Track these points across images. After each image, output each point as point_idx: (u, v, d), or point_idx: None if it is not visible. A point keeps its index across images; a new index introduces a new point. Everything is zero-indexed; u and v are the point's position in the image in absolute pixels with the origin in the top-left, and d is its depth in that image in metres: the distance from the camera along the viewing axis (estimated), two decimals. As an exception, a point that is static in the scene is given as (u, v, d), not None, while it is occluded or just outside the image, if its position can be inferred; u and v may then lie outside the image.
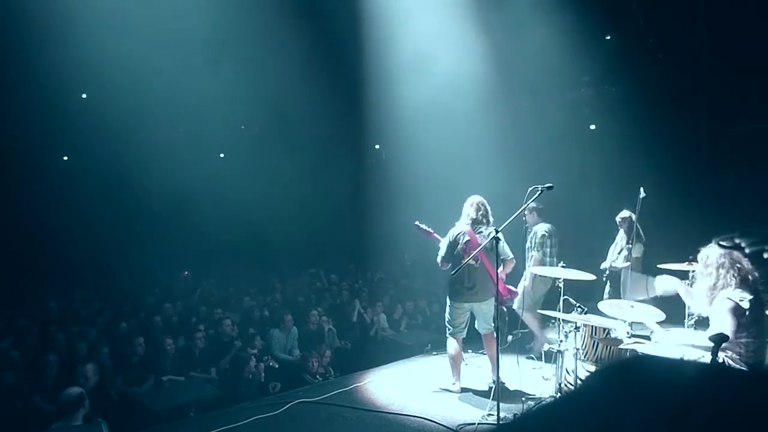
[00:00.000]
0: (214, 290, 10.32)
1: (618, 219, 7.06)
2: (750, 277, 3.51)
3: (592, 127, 12.41)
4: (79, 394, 4.50)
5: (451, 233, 5.37)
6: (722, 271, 3.53)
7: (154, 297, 9.81)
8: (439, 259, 5.44)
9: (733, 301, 3.46)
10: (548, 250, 6.55)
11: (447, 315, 5.55)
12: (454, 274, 5.13)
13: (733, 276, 3.51)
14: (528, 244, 6.74)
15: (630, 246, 6.67)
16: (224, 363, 6.86)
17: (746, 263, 3.53)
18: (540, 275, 6.21)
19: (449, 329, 5.54)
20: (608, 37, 11.64)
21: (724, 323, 3.47)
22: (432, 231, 5.67)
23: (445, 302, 5.57)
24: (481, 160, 11.55)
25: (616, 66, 11.32)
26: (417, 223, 5.75)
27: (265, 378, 6.66)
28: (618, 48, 11.45)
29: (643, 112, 10.80)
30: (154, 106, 11.79)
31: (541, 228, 6.61)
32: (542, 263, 6.42)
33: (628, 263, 6.74)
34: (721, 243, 3.52)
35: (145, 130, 13.09)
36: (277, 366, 7.07)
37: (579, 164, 10.99)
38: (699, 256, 3.71)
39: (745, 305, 3.44)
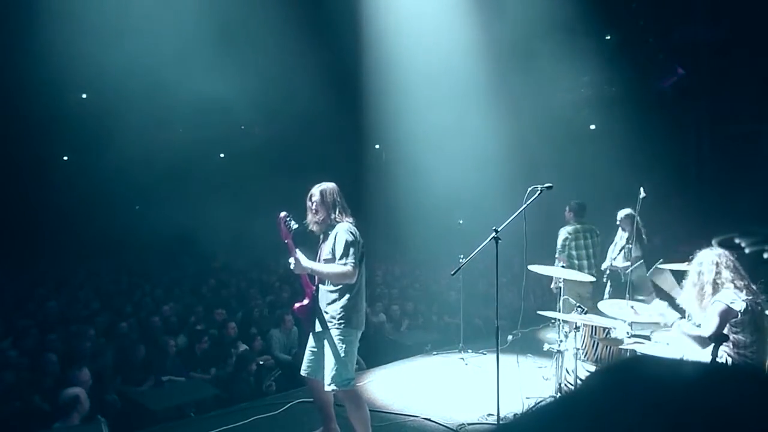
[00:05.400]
0: (215, 293, 10.32)
1: (619, 217, 7.02)
2: (744, 279, 3.50)
3: (592, 127, 12.42)
4: (74, 395, 4.49)
5: (355, 232, 3.84)
6: (714, 274, 3.52)
7: (154, 297, 9.80)
8: (352, 268, 3.73)
9: (724, 303, 3.45)
10: (574, 252, 6.56)
11: (347, 354, 3.80)
12: (357, 291, 3.86)
13: (726, 278, 3.50)
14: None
15: (630, 246, 6.66)
16: (225, 364, 6.86)
17: (738, 265, 3.52)
18: (572, 279, 6.21)
19: (352, 378, 3.84)
20: (608, 37, 11.65)
21: (711, 324, 3.46)
22: (290, 233, 3.82)
23: (346, 335, 3.82)
24: (481, 160, 11.56)
25: (616, 66, 11.33)
26: (284, 215, 3.86)
27: (262, 378, 6.67)
28: (618, 48, 11.46)
29: (643, 112, 10.82)
30: (154, 106, 11.79)
31: (564, 230, 6.66)
32: (571, 266, 6.39)
33: (628, 263, 6.73)
34: (721, 243, 3.53)
35: (145, 130, 13.11)
36: (273, 365, 7.07)
37: (579, 164, 10.99)
38: (695, 258, 3.70)
39: (737, 307, 3.43)
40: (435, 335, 8.32)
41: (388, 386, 5.79)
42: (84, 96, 14.09)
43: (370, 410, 4.76)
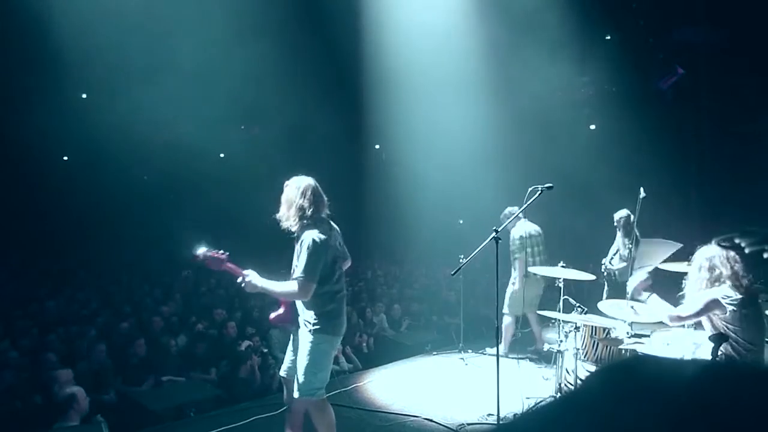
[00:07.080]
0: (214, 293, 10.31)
1: (615, 218, 7.00)
2: (743, 279, 3.50)
3: (592, 127, 12.43)
4: (71, 394, 4.48)
5: (321, 238, 3.48)
6: (717, 271, 3.53)
7: (154, 297, 9.80)
8: (300, 286, 3.44)
9: (714, 296, 3.47)
10: (529, 249, 6.51)
11: (319, 362, 3.56)
12: (336, 296, 3.60)
13: (726, 276, 3.50)
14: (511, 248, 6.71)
15: (631, 245, 6.64)
16: (225, 364, 6.86)
17: (739, 264, 3.53)
18: (532, 276, 6.25)
19: (320, 388, 3.58)
20: (608, 37, 11.65)
21: (693, 307, 3.51)
22: (225, 259, 3.62)
23: (320, 342, 3.58)
24: (481, 160, 11.56)
25: (616, 66, 11.33)
26: (201, 252, 3.59)
27: (262, 377, 6.66)
28: (618, 48, 11.46)
29: (643, 112, 10.81)
30: (154, 106, 11.78)
31: (517, 231, 6.54)
32: (527, 264, 6.38)
33: (624, 264, 6.70)
34: (721, 243, 3.53)
35: (145, 130, 13.11)
36: (273, 364, 7.07)
37: (579, 164, 11.00)
38: (695, 256, 3.71)
39: (725, 303, 3.44)
40: (435, 335, 8.32)
41: (388, 386, 5.79)
42: (84, 96, 14.08)
43: (370, 410, 4.77)
